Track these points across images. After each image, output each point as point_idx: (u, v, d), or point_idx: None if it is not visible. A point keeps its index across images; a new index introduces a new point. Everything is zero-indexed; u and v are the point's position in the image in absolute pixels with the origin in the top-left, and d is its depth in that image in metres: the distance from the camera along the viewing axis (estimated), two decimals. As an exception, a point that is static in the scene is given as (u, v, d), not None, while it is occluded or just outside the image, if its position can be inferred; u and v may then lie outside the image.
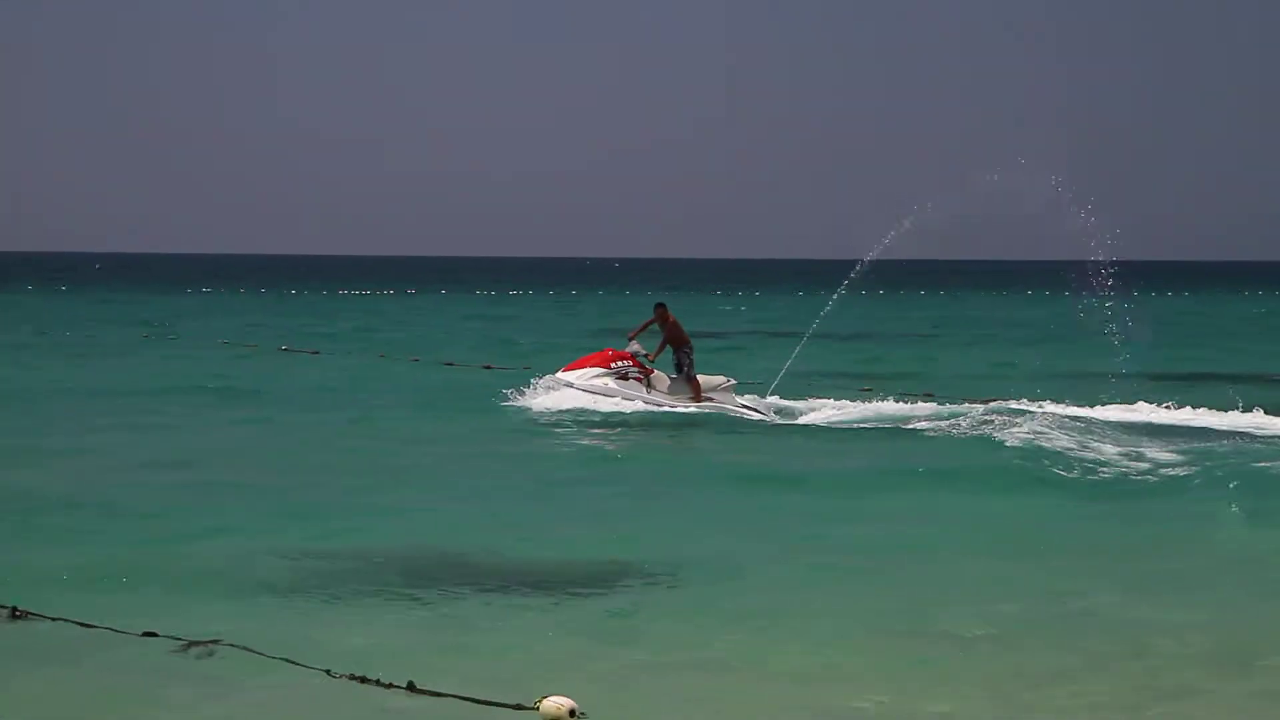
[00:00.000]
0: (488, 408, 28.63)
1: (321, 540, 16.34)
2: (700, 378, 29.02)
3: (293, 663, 11.46)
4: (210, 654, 11.73)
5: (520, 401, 28.56)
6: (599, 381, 28.23)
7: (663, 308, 29.48)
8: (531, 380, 29.19)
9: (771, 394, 30.01)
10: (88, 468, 21.57)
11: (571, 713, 10.32)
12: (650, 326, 29.71)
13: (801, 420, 28.59)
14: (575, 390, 28.26)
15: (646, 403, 28.31)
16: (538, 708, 10.39)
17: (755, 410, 28.81)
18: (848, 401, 30.65)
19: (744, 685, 11.38)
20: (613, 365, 28.49)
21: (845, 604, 13.93)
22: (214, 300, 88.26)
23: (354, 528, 17.16)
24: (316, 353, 44.65)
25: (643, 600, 14.03)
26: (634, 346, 29.04)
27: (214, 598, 13.77)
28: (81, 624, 12.38)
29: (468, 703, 10.67)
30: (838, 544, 16.89)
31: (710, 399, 28.67)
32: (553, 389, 28.42)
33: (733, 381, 29.45)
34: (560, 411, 27.73)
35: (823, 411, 29.38)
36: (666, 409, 28.16)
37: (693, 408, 28.39)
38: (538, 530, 17.39)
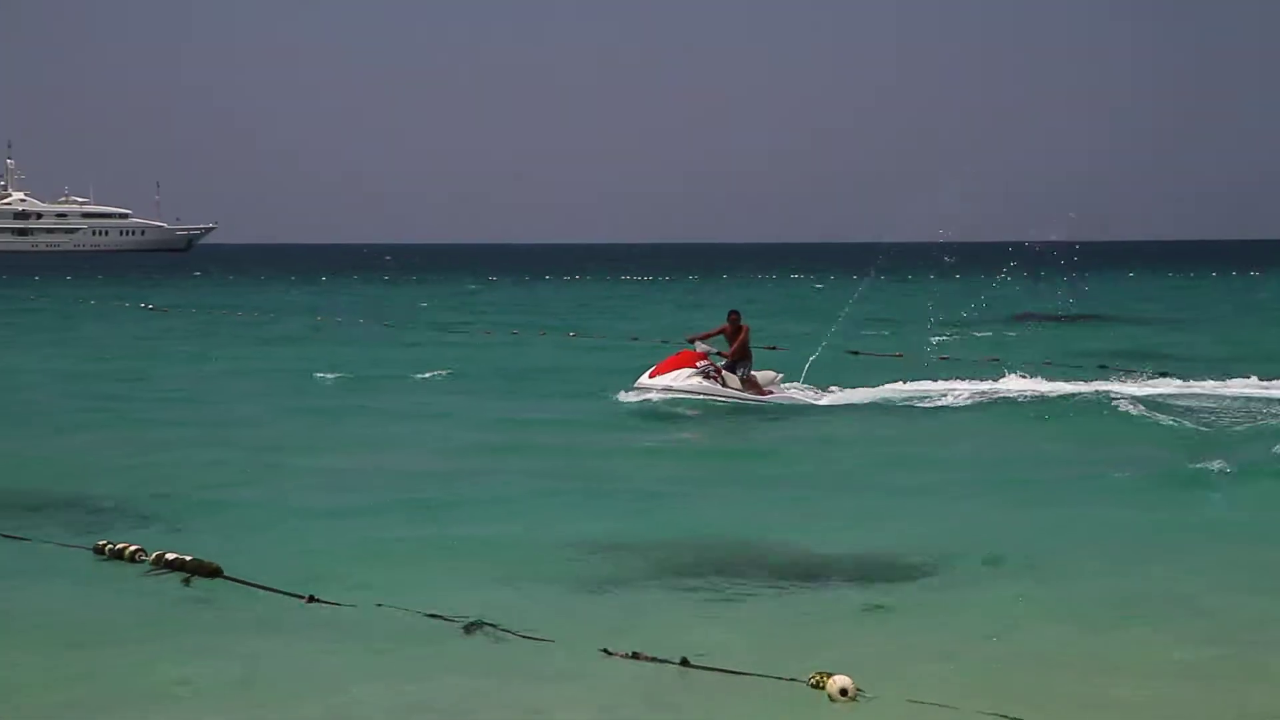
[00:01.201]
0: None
1: (591, 526, 16.95)
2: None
3: (569, 642, 12.04)
4: (489, 635, 12.33)
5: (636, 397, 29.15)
6: (693, 381, 29.07)
7: (737, 315, 30.28)
8: (621, 391, 29.60)
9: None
10: (371, 453, 22.72)
11: (843, 691, 10.72)
12: (717, 333, 30.26)
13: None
14: (675, 392, 28.93)
15: (736, 399, 29.15)
16: (813, 683, 10.79)
17: (810, 394, 30.17)
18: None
19: (1016, 670, 11.68)
20: (698, 365, 29.29)
21: (1102, 590, 14.21)
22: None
23: (619, 514, 17.79)
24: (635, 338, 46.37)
25: (908, 584, 14.38)
26: (704, 347, 29.70)
27: (490, 581, 14.43)
28: (371, 608, 13.03)
29: (739, 677, 11.13)
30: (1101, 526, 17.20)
31: (771, 391, 29.76)
32: (648, 393, 29.05)
33: (781, 375, 30.47)
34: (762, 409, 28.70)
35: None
36: (754, 403, 29.06)
37: (769, 399, 29.39)
38: (799, 517, 17.82)
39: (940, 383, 32.53)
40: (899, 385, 32.01)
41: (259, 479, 20.49)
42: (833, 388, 31.00)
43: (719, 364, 29.55)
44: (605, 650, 11.81)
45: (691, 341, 30.19)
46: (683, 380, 29.04)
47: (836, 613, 13.38)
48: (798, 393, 30.50)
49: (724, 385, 29.45)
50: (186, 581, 14.25)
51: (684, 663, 11.48)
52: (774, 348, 37.93)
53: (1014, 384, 33.11)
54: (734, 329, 29.92)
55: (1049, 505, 18.65)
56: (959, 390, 31.92)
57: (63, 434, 25.20)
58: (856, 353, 40.05)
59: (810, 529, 17.01)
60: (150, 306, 70.20)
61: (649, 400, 28.85)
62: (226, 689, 11.14)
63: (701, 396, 28.94)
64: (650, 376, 29.39)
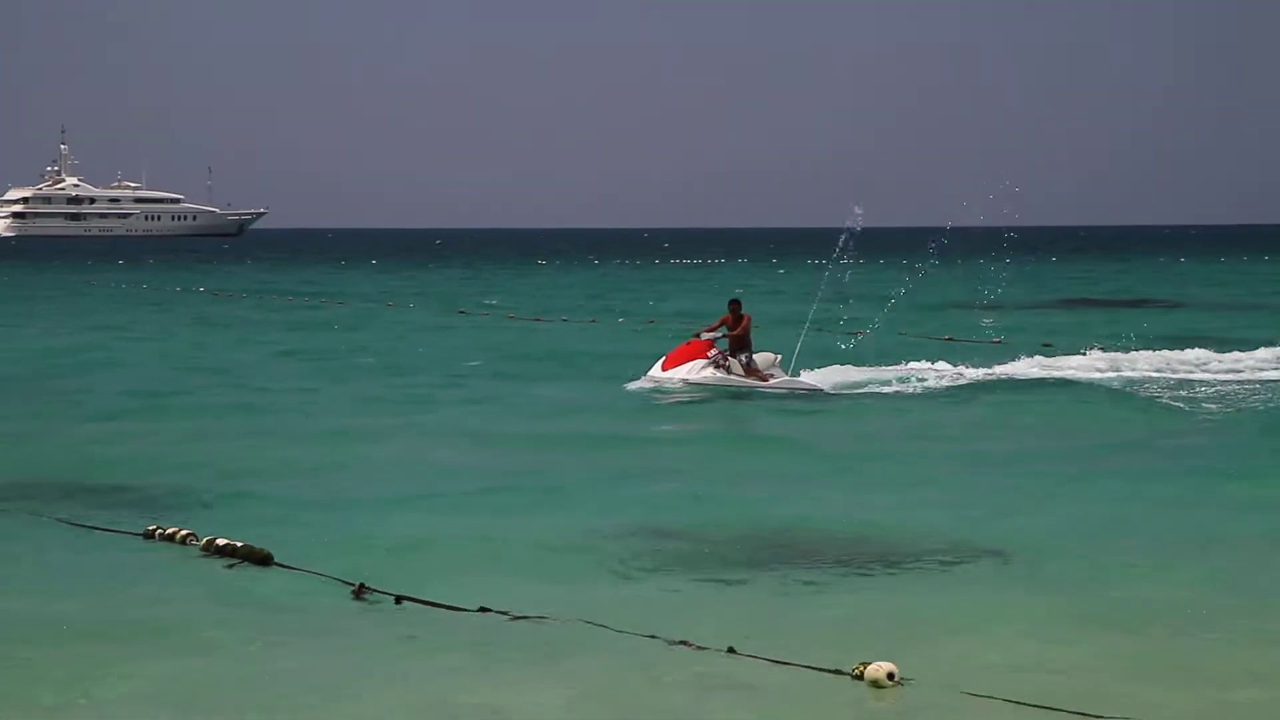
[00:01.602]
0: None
1: (637, 517, 16.93)
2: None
3: (618, 630, 12.07)
4: (533, 622, 12.39)
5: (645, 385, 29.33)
6: (707, 373, 29.35)
7: (738, 304, 30.46)
8: (632, 382, 29.67)
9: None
10: (415, 443, 22.79)
11: (890, 675, 10.70)
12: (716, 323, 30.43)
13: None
14: (691, 384, 29.14)
15: (746, 386, 29.38)
16: (856, 673, 10.79)
17: (808, 383, 30.45)
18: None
19: (1073, 654, 11.68)
20: (709, 355, 29.53)
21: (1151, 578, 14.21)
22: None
23: (658, 503, 17.79)
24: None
25: (954, 570, 14.40)
26: (710, 336, 29.94)
27: (534, 569, 14.50)
28: (421, 601, 13.06)
29: (785, 666, 11.14)
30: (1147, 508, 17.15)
31: (772, 375, 29.98)
32: (662, 384, 29.19)
33: (779, 356, 30.56)
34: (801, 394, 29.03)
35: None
36: (761, 389, 29.27)
37: (771, 386, 29.57)
38: (839, 503, 17.83)
39: (970, 368, 32.84)
40: (902, 368, 32.64)
41: (310, 465, 20.58)
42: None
43: (724, 349, 29.75)
44: (652, 637, 11.81)
45: (697, 335, 30.36)
46: (697, 372, 29.34)
47: (880, 599, 13.39)
48: (799, 377, 30.94)
49: (729, 373, 29.68)
50: (232, 567, 14.33)
51: (730, 651, 11.48)
52: (858, 333, 39.15)
53: (1061, 366, 33.29)
54: (735, 318, 30.10)
55: (1107, 493, 18.57)
56: (1005, 371, 32.22)
57: (112, 419, 25.37)
58: (951, 339, 40.95)
59: (850, 515, 17.04)
60: (212, 291, 70.63)
61: (668, 390, 28.97)
62: (276, 675, 11.20)
63: (715, 385, 29.16)
64: (663, 369, 29.57)
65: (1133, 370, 32.71)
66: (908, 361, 33.37)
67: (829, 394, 29.23)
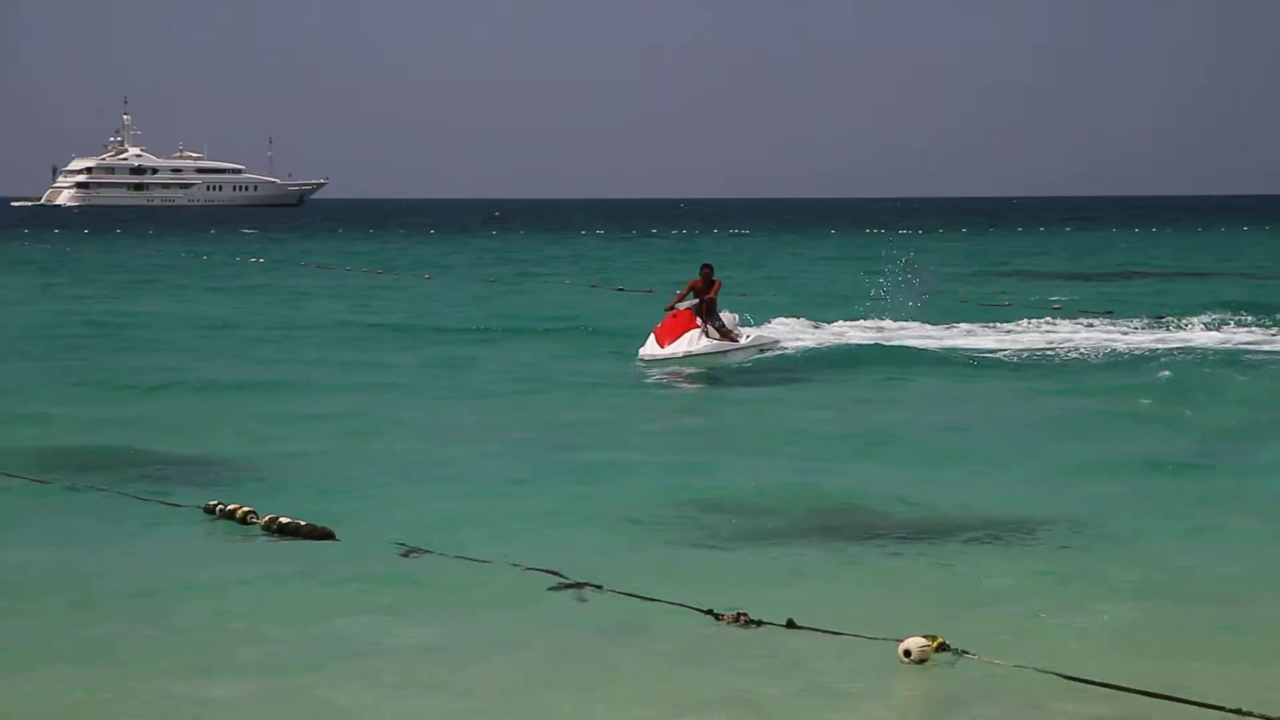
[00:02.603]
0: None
1: (694, 488, 16.92)
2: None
3: (674, 604, 12.04)
4: (593, 595, 12.38)
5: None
6: (704, 342, 29.63)
7: (710, 268, 30.57)
8: (634, 363, 29.49)
9: None
10: (475, 414, 22.95)
11: (906, 653, 10.61)
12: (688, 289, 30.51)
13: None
14: (694, 355, 29.24)
15: (730, 349, 30.02)
16: (922, 646, 10.67)
17: (770, 336, 32.26)
18: None
19: (1125, 628, 11.64)
20: (698, 324, 29.71)
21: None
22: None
23: (718, 476, 17.76)
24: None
25: (1003, 542, 14.34)
26: (683, 305, 29.98)
27: (595, 544, 14.47)
28: (473, 560, 13.25)
29: (842, 638, 11.13)
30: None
31: (740, 333, 30.84)
32: (668, 359, 29.05)
33: (737, 316, 31.39)
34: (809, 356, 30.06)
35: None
36: (743, 353, 30.08)
37: (746, 344, 30.52)
38: (885, 474, 17.80)
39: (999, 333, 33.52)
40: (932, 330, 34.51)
41: (367, 440, 20.65)
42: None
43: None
44: (711, 611, 11.80)
45: (672, 309, 30.11)
46: (697, 343, 29.45)
47: (934, 573, 13.34)
48: (769, 330, 32.91)
49: (710, 338, 30.07)
50: (292, 542, 14.40)
51: (790, 624, 11.44)
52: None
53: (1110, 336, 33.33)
54: (706, 282, 30.23)
55: (1155, 468, 18.40)
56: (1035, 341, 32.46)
57: (174, 392, 25.45)
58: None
59: (898, 486, 16.97)
60: (259, 261, 71.07)
61: (676, 363, 28.98)
62: (341, 653, 11.19)
63: (711, 352, 29.54)
64: (661, 344, 29.31)
65: (1185, 340, 32.49)
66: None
67: (792, 346, 30.93)
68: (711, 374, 28.29)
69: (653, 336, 29.63)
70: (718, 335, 30.00)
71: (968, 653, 10.64)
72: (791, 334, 33.62)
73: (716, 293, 30.26)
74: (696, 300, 29.99)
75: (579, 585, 12.62)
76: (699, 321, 29.67)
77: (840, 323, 36.60)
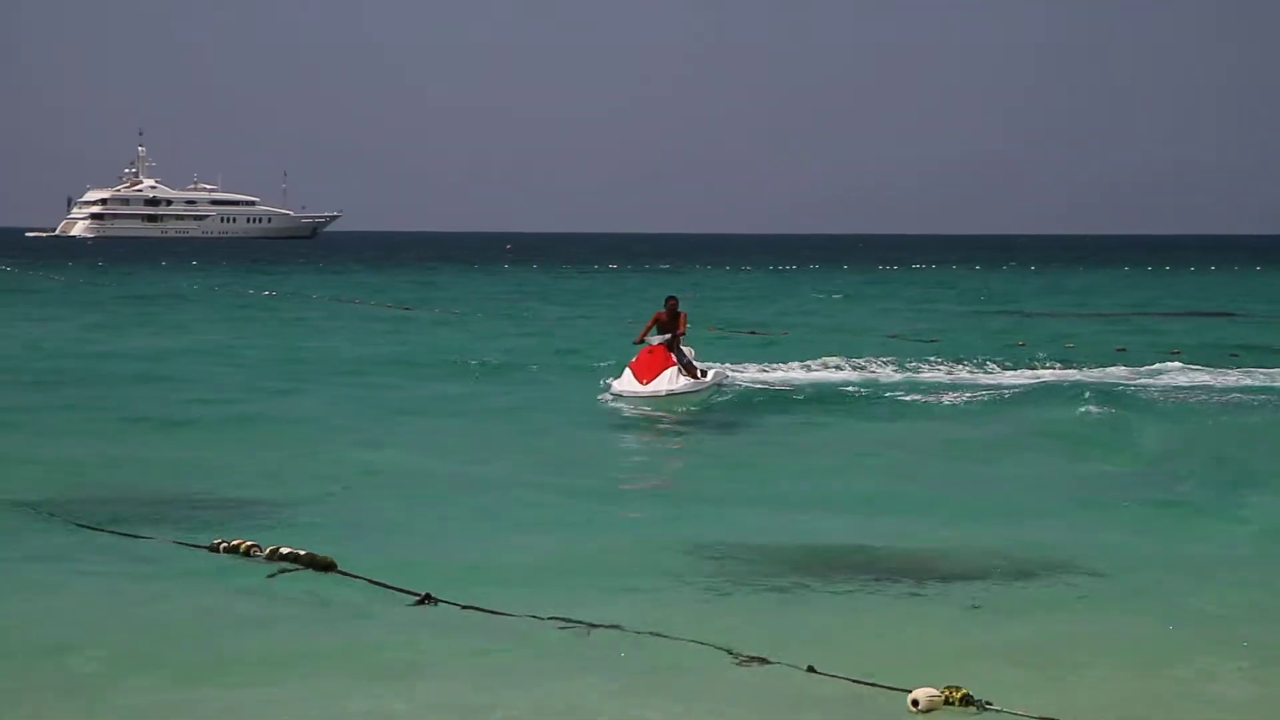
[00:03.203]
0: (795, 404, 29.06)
1: (707, 532, 16.66)
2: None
3: (696, 642, 11.81)
4: (612, 639, 12.12)
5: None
6: (682, 381, 28.88)
7: (675, 301, 29.70)
8: (603, 396, 29.15)
9: None
10: (477, 451, 22.66)
11: (915, 703, 10.38)
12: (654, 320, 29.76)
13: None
14: (676, 395, 28.64)
15: (702, 387, 29.35)
16: (944, 698, 10.45)
17: (723, 373, 31.48)
18: None
19: (1130, 673, 11.39)
20: (674, 361, 29.02)
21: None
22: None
23: (734, 520, 17.51)
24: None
25: (1022, 586, 14.09)
26: (656, 339, 29.17)
27: (611, 586, 14.15)
28: (489, 611, 12.86)
29: (862, 686, 10.86)
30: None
31: (703, 369, 30.11)
32: (649, 397, 28.36)
33: (693, 350, 30.40)
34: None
35: None
36: (706, 390, 29.45)
37: (711, 382, 29.97)
38: (906, 518, 17.53)
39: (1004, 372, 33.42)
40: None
41: (369, 475, 20.50)
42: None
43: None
44: (729, 652, 11.56)
45: (641, 342, 29.46)
46: (679, 383, 28.78)
47: (950, 617, 13.09)
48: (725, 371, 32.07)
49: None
50: (292, 574, 14.18)
51: (810, 670, 11.16)
52: (933, 340, 41.02)
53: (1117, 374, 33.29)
54: (671, 315, 29.34)
55: (1178, 510, 18.17)
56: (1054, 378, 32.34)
57: (176, 430, 25.14)
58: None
59: (909, 525, 16.86)
60: (269, 293, 71.07)
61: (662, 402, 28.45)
62: (342, 684, 11.00)
63: (686, 390, 28.86)
64: (642, 381, 28.52)
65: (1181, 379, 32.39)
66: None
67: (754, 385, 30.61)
68: (695, 412, 27.89)
69: (629, 372, 28.83)
70: (685, 372, 29.34)
71: (990, 705, 10.37)
72: (749, 375, 32.93)
73: (684, 327, 29.48)
74: (669, 335, 29.17)
75: (592, 625, 12.38)
76: (674, 358, 29.01)
77: (872, 359, 36.47)
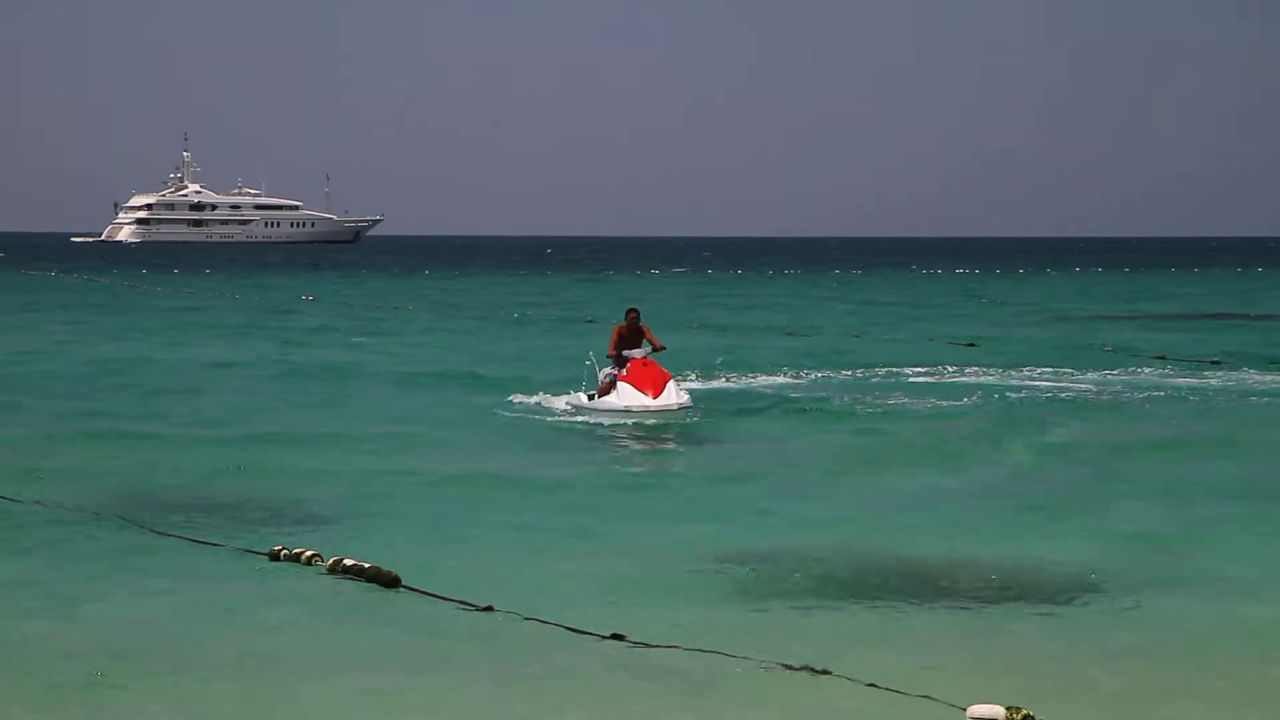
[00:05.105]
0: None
1: (754, 543, 16.75)
2: None
3: (747, 659, 11.90)
4: (669, 655, 12.18)
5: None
6: (684, 395, 28.41)
7: (636, 313, 28.81)
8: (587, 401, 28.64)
9: None
10: (528, 462, 22.72)
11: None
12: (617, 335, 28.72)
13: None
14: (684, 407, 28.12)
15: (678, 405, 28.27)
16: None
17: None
18: None
19: (1194, 689, 11.44)
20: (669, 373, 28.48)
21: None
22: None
23: (782, 531, 17.60)
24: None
25: (1079, 603, 14.10)
26: (638, 353, 28.28)
27: (672, 601, 14.19)
28: (545, 622, 12.99)
29: (905, 698, 10.94)
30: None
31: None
32: (660, 410, 27.70)
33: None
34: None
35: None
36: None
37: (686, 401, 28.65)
38: (950, 529, 17.54)
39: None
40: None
41: (429, 484, 20.58)
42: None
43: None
44: (784, 665, 11.66)
45: (620, 357, 28.47)
46: (683, 395, 28.35)
47: (1009, 630, 13.15)
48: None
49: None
50: (358, 587, 14.32)
51: (871, 685, 11.25)
52: (972, 344, 41.29)
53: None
54: (632, 328, 28.42)
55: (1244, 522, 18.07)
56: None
57: (242, 435, 25.31)
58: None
59: (953, 535, 16.94)
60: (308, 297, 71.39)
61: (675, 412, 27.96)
62: (406, 699, 11.15)
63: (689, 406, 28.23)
64: (652, 395, 27.73)
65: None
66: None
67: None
68: (710, 422, 27.50)
69: (630, 388, 27.92)
70: None
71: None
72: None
73: (652, 337, 28.69)
74: (650, 348, 28.47)
75: (640, 645, 12.45)
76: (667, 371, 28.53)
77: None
